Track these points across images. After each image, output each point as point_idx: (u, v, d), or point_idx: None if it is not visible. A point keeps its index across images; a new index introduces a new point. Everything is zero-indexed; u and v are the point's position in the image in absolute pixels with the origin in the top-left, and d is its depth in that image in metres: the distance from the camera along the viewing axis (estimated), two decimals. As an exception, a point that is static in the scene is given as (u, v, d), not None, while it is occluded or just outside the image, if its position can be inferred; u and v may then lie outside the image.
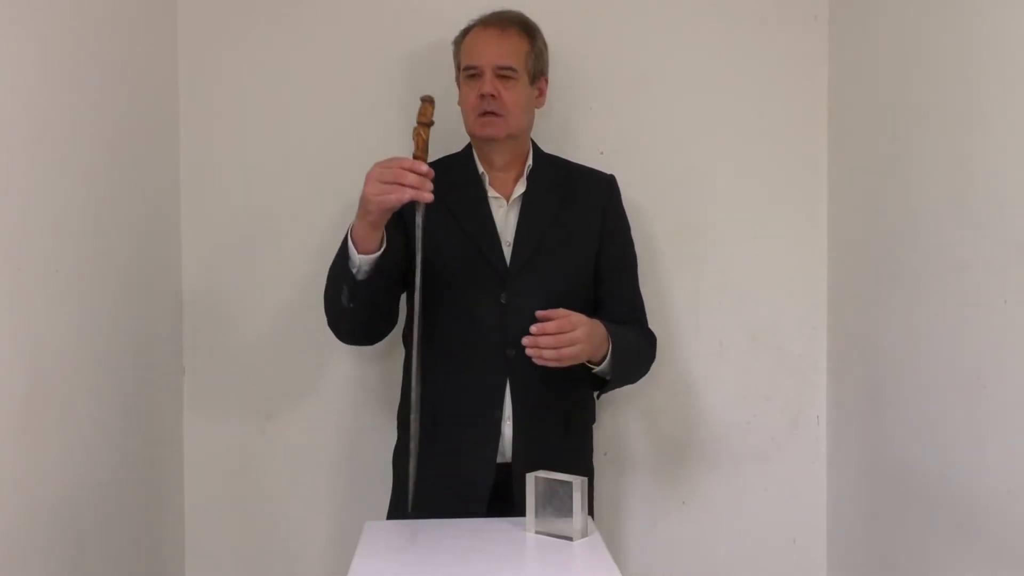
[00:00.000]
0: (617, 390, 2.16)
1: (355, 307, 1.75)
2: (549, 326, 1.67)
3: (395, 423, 2.00)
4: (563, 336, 1.68)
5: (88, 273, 1.75)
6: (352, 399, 2.26)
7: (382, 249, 1.71)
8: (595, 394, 1.97)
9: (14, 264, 1.47)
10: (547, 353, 1.68)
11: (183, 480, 2.25)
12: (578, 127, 2.26)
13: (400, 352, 1.99)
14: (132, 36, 1.98)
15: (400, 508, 1.90)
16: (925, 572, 1.89)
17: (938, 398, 1.83)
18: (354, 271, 1.71)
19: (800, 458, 2.33)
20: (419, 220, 1.69)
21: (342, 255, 1.73)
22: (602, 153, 2.22)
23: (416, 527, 1.70)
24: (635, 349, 1.91)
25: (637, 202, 2.23)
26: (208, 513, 2.26)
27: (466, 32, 1.95)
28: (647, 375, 2.02)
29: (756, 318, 2.32)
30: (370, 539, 1.63)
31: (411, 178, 1.61)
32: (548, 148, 2.05)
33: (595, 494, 2.01)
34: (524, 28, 1.93)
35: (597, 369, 1.81)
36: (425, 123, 1.73)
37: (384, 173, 1.63)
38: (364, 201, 1.64)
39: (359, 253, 1.69)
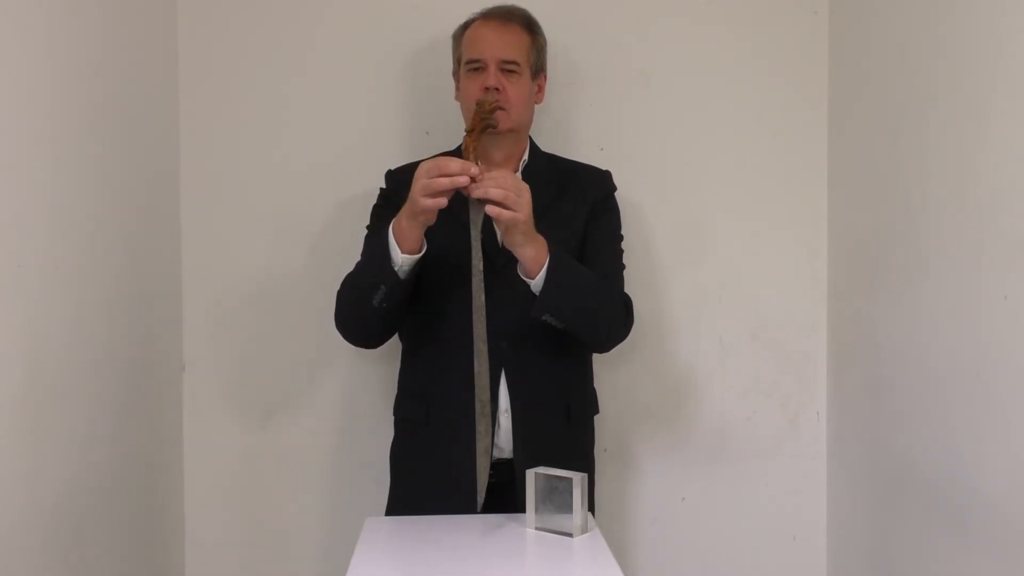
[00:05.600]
0: (619, 387, 2.16)
1: (388, 307, 1.74)
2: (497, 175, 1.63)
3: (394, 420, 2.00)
4: (508, 180, 1.63)
5: (88, 270, 1.75)
6: (352, 396, 2.27)
7: (424, 249, 1.72)
8: (544, 319, 1.77)
9: (14, 261, 1.47)
10: (493, 191, 1.61)
11: (183, 476, 2.25)
12: (578, 124, 2.27)
13: (398, 347, 2.00)
14: (132, 36, 1.99)
15: (399, 504, 1.91)
16: (925, 568, 1.89)
17: (938, 395, 1.83)
18: (396, 269, 1.70)
19: (800, 455, 2.33)
20: (473, 216, 1.68)
21: (381, 256, 1.72)
22: (602, 150, 2.22)
23: (416, 523, 1.70)
24: (584, 278, 1.78)
25: (637, 199, 2.24)
26: (208, 510, 2.26)
27: (466, 26, 1.94)
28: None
29: (756, 315, 2.32)
30: (370, 535, 1.63)
31: (454, 166, 1.62)
32: (548, 144, 2.06)
33: (596, 488, 2.00)
34: (526, 23, 1.93)
35: (533, 285, 1.72)
36: (467, 130, 1.74)
37: (430, 170, 1.63)
38: (412, 201, 1.65)
39: (403, 253, 1.70)
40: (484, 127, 1.76)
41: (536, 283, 1.72)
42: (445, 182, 1.61)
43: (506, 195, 1.62)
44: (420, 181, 1.63)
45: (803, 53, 2.30)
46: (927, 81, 1.88)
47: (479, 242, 1.68)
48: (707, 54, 2.30)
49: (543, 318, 1.74)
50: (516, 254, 1.70)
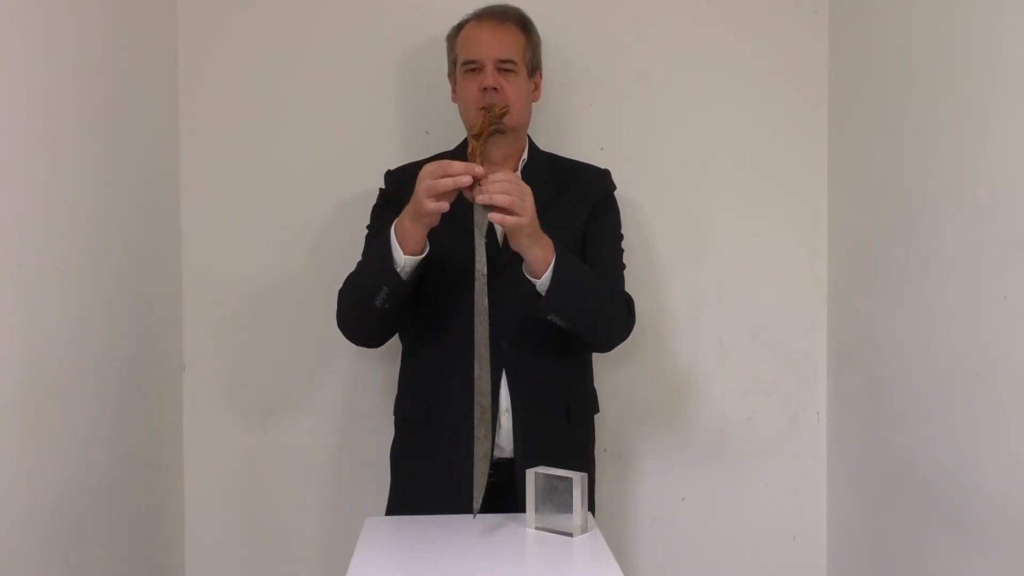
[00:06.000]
0: (619, 387, 2.15)
1: (390, 307, 1.74)
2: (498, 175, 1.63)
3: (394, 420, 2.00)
4: (513, 184, 1.63)
5: (88, 270, 1.75)
6: (352, 395, 2.27)
7: (426, 251, 1.71)
8: (549, 318, 1.77)
9: (14, 261, 1.47)
10: (498, 197, 1.60)
11: (183, 476, 2.25)
12: (578, 124, 2.27)
13: (399, 347, 2.00)
14: (132, 36, 1.99)
15: (399, 505, 1.91)
16: (925, 568, 1.89)
17: (938, 394, 1.83)
18: (398, 270, 1.70)
19: (800, 455, 2.33)
20: (477, 219, 1.67)
21: (383, 256, 1.71)
22: (602, 149, 2.22)
23: (416, 523, 1.70)
24: (588, 278, 1.79)
25: (637, 199, 2.24)
26: (208, 510, 2.26)
27: (460, 27, 1.94)
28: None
29: (756, 315, 2.32)
30: (370, 535, 1.63)
31: (457, 167, 1.62)
32: (549, 144, 2.06)
33: (596, 488, 2.01)
34: (521, 22, 1.93)
35: (539, 284, 1.72)
36: (474, 135, 1.74)
37: (434, 171, 1.63)
38: (416, 202, 1.64)
39: (405, 254, 1.69)
40: (492, 131, 1.76)
41: (542, 282, 1.72)
42: (448, 183, 1.61)
43: (512, 201, 1.62)
44: (424, 182, 1.63)
45: (803, 53, 2.30)
46: (927, 81, 1.88)
47: (483, 246, 1.68)
48: (707, 54, 2.30)
49: (548, 317, 1.74)
50: (523, 254, 1.70)
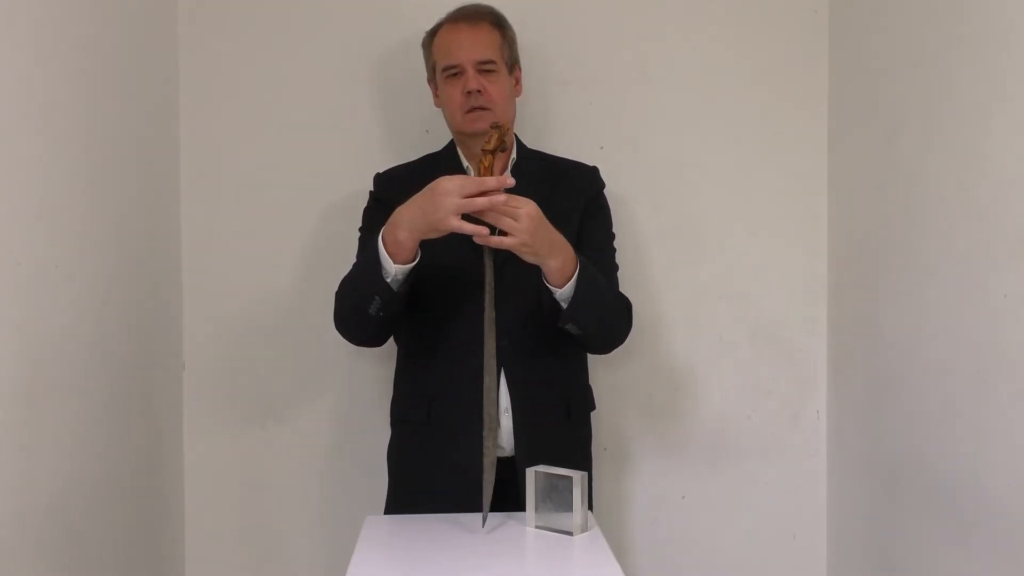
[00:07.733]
0: (619, 386, 2.15)
1: (384, 315, 1.73)
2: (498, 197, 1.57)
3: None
4: (508, 207, 1.57)
5: (88, 269, 1.75)
6: (352, 396, 2.27)
7: (418, 258, 1.69)
8: (566, 327, 1.76)
9: (14, 259, 1.47)
10: (488, 215, 1.57)
11: (183, 475, 2.25)
12: (577, 123, 2.27)
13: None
14: (132, 36, 1.99)
15: (398, 504, 1.91)
16: (925, 567, 1.89)
17: (938, 393, 1.83)
18: (388, 280, 1.68)
19: (800, 453, 2.33)
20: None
21: (372, 265, 1.68)
22: (602, 148, 2.22)
23: (415, 522, 1.70)
24: (603, 288, 1.77)
25: (637, 198, 2.24)
26: (207, 509, 2.26)
27: (434, 32, 1.93)
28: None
29: (756, 313, 2.32)
30: (370, 534, 1.63)
31: (491, 183, 1.58)
32: (548, 143, 2.06)
33: (595, 486, 2.00)
34: (494, 19, 1.92)
35: (559, 293, 1.70)
36: (489, 150, 1.69)
37: (464, 186, 1.56)
38: (436, 218, 1.58)
39: (396, 263, 1.66)
40: (501, 148, 1.75)
41: (563, 293, 1.70)
42: (484, 202, 1.57)
43: (498, 219, 1.58)
44: (450, 198, 1.57)
45: (803, 53, 2.30)
46: (927, 80, 1.88)
47: (492, 260, 1.67)
48: (707, 53, 2.30)
49: (566, 327, 1.74)
50: (541, 267, 1.68)
